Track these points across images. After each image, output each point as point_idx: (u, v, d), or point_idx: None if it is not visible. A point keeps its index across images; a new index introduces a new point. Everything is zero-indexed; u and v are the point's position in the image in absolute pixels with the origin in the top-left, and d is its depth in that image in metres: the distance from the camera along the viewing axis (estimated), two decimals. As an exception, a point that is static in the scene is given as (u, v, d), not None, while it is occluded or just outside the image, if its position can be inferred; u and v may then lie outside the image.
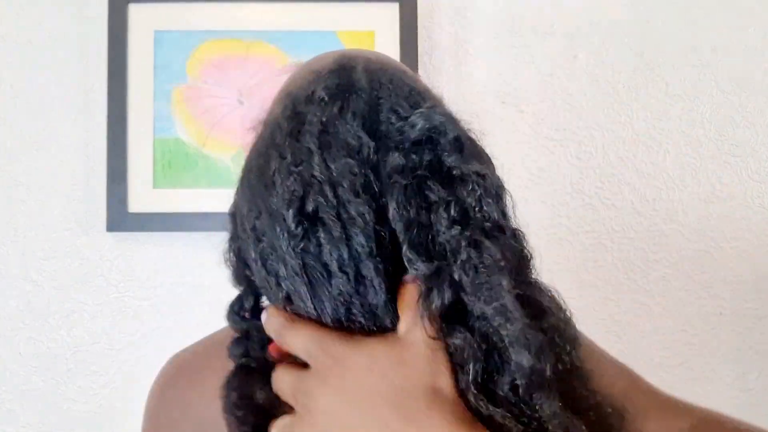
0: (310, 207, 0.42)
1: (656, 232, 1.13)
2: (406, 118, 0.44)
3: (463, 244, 0.40)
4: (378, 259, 0.42)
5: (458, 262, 0.40)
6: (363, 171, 0.43)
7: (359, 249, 0.42)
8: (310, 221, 0.42)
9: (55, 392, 1.09)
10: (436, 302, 0.40)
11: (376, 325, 0.43)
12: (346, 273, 0.42)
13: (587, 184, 1.13)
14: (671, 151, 1.14)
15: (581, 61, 1.13)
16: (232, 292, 0.50)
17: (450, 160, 0.43)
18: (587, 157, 1.13)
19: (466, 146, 0.44)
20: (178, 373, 0.56)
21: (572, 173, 1.13)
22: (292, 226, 0.42)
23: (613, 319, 1.13)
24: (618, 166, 1.13)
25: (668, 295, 1.13)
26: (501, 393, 0.40)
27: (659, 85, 1.14)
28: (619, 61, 1.14)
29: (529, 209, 1.10)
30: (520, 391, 0.40)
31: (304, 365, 0.43)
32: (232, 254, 0.50)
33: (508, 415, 0.39)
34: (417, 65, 1.08)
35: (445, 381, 0.39)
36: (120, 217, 1.07)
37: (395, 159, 0.43)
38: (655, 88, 1.14)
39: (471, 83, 1.13)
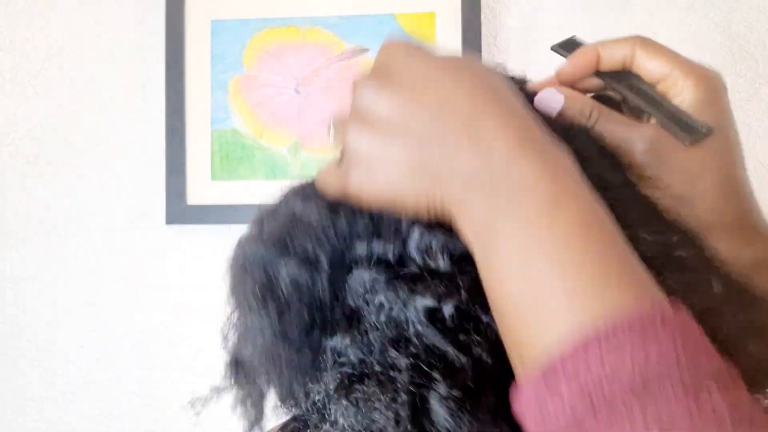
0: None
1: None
2: None
3: None
4: None
5: None
6: None
7: None
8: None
9: (116, 385, 1.10)
10: None
11: None
12: None
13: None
14: (762, 136, 1.03)
15: (661, 38, 1.05)
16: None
17: None
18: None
19: None
20: None
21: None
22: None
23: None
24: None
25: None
26: None
27: (748, 62, 1.04)
28: (703, 37, 1.04)
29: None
30: None
31: None
32: None
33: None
34: (480, 49, 1.02)
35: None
36: (179, 210, 1.07)
37: None
38: (743, 66, 1.04)
39: (540, 67, 1.06)
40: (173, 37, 1.07)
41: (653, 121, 0.40)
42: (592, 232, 0.30)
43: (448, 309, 0.33)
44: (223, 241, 1.08)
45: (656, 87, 0.40)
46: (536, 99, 0.40)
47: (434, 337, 0.33)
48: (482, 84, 0.34)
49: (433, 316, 0.33)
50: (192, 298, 1.10)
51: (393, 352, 0.33)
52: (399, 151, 0.33)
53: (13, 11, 1.13)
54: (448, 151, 0.32)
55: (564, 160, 0.32)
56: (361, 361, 0.34)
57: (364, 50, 1.05)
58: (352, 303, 0.35)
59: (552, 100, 0.40)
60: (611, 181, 0.37)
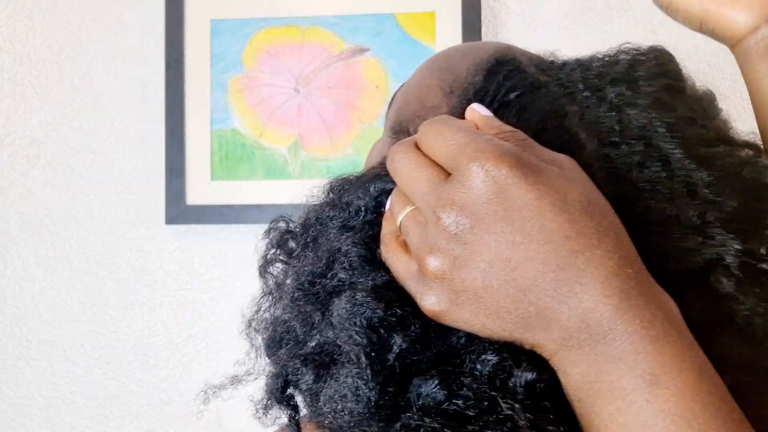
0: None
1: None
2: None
3: None
4: None
5: None
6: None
7: None
8: None
9: (116, 385, 1.10)
10: None
11: None
12: None
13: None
14: (764, 135, 1.03)
15: (661, 37, 1.04)
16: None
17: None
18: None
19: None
20: None
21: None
22: None
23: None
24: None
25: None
26: None
27: (750, 62, 1.03)
28: (703, 37, 1.04)
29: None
30: None
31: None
32: None
33: None
34: (480, 48, 1.02)
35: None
36: (178, 210, 1.07)
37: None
38: (745, 66, 1.03)
39: (539, 66, 1.06)
40: (173, 37, 1.07)
41: None
42: (693, 413, 0.30)
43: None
44: (223, 241, 1.08)
45: None
46: None
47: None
48: (587, 220, 0.32)
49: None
50: (192, 298, 1.10)
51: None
52: (494, 294, 0.32)
53: (13, 11, 1.13)
54: (545, 303, 0.32)
55: (668, 312, 0.32)
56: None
57: (364, 50, 1.05)
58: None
59: None
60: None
